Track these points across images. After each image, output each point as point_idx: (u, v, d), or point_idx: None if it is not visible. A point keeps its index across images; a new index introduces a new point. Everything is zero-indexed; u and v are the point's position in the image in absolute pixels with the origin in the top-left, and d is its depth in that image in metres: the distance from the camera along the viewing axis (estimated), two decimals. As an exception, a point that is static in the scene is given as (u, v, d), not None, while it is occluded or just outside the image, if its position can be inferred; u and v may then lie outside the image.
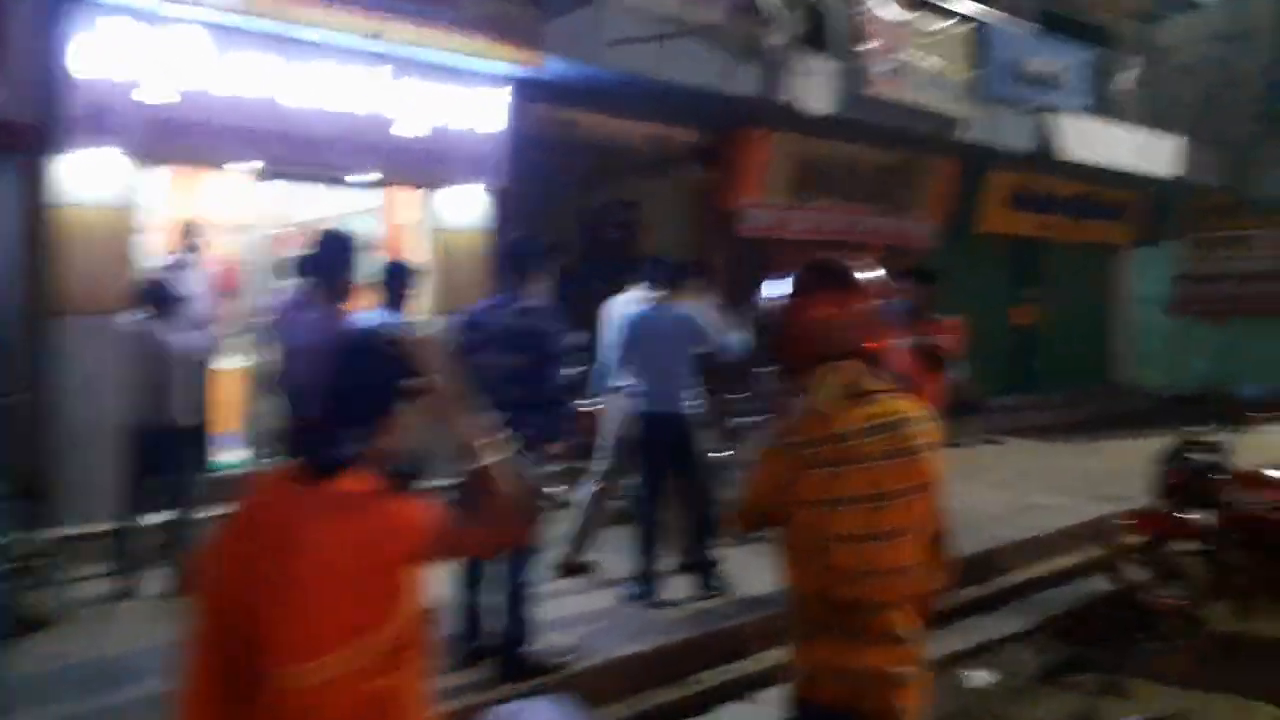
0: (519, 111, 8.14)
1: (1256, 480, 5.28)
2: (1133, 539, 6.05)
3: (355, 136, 7.01)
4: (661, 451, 5.55)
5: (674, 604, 5.51)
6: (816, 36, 9.34)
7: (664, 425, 5.51)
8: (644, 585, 5.48)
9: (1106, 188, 14.41)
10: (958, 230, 12.70)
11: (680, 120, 9.65)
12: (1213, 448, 5.50)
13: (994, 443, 11.87)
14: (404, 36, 6.50)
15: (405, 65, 7.02)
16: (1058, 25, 13.09)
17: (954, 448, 11.84)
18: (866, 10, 9.55)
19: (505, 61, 7.03)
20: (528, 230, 8.53)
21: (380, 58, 6.83)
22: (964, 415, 11.91)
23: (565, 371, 4.55)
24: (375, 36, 6.31)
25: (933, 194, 11.98)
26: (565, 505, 6.49)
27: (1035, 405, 14.03)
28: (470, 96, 7.48)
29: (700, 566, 5.64)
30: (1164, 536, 5.81)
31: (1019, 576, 6.67)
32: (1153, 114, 14.73)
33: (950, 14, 10.75)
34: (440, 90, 7.31)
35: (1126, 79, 14.59)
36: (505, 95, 7.62)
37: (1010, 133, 11.47)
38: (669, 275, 5.73)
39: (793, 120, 9.53)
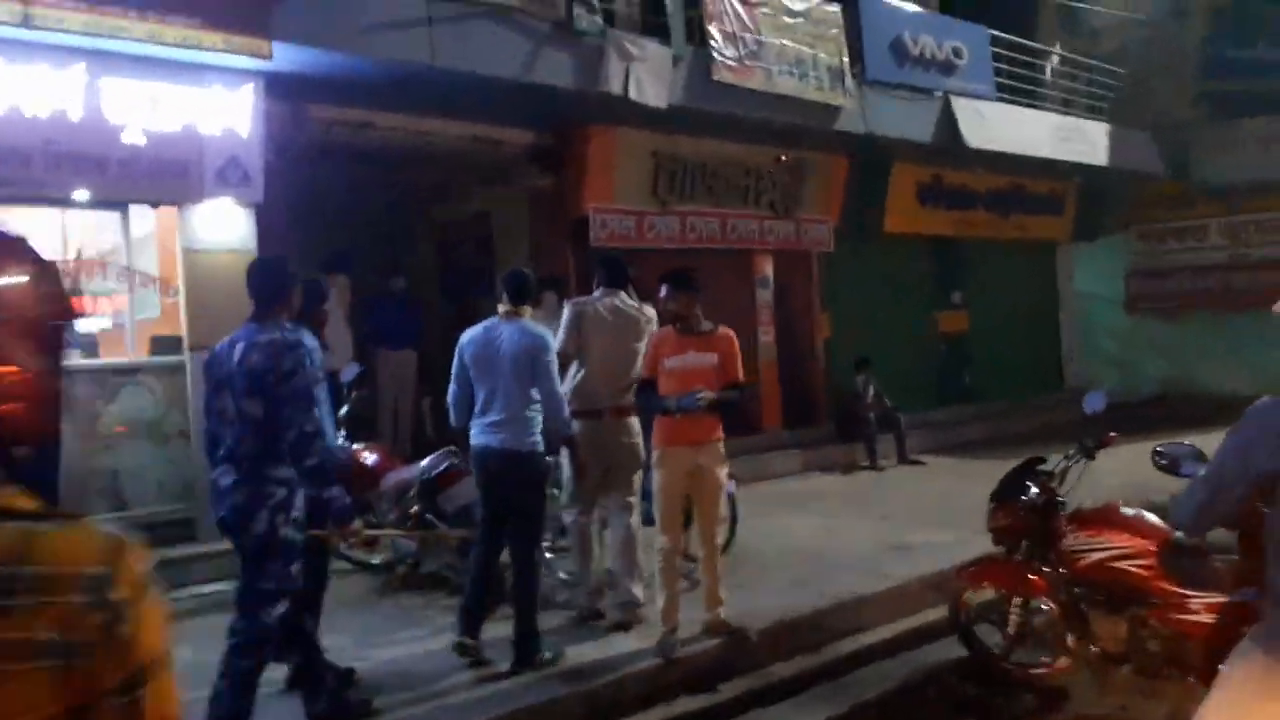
0: (287, 113, 7.05)
1: (1095, 520, 4.11)
2: (976, 593, 4.88)
3: (65, 148, 5.91)
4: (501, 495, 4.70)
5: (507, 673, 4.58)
6: (655, 20, 8.26)
7: (505, 464, 4.62)
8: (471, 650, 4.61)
9: (1032, 180, 13.31)
10: (864, 232, 11.58)
11: (511, 120, 8.55)
12: (1052, 478, 4.34)
13: (913, 463, 10.66)
14: (67, 20, 5.37)
15: (110, 61, 5.92)
16: (963, 3, 12.04)
17: (862, 471, 11.09)
18: (709, -13, 8.46)
19: (221, 52, 5.91)
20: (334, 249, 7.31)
21: (71, 52, 5.73)
22: (880, 433, 10.80)
23: (316, 415, 3.69)
24: (24, 21, 5.19)
25: (824, 192, 10.86)
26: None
27: (970, 419, 12.85)
28: (205, 96, 6.37)
29: (526, 635, 4.65)
30: (1012, 591, 4.64)
31: (858, 642, 5.46)
32: (1082, 100, 13.69)
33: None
34: (165, 90, 6.21)
35: (1047, 62, 13.55)
36: (247, 93, 6.50)
37: (900, 122, 10.37)
38: (516, 288, 4.80)
39: (641, 115, 8.43)
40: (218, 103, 6.42)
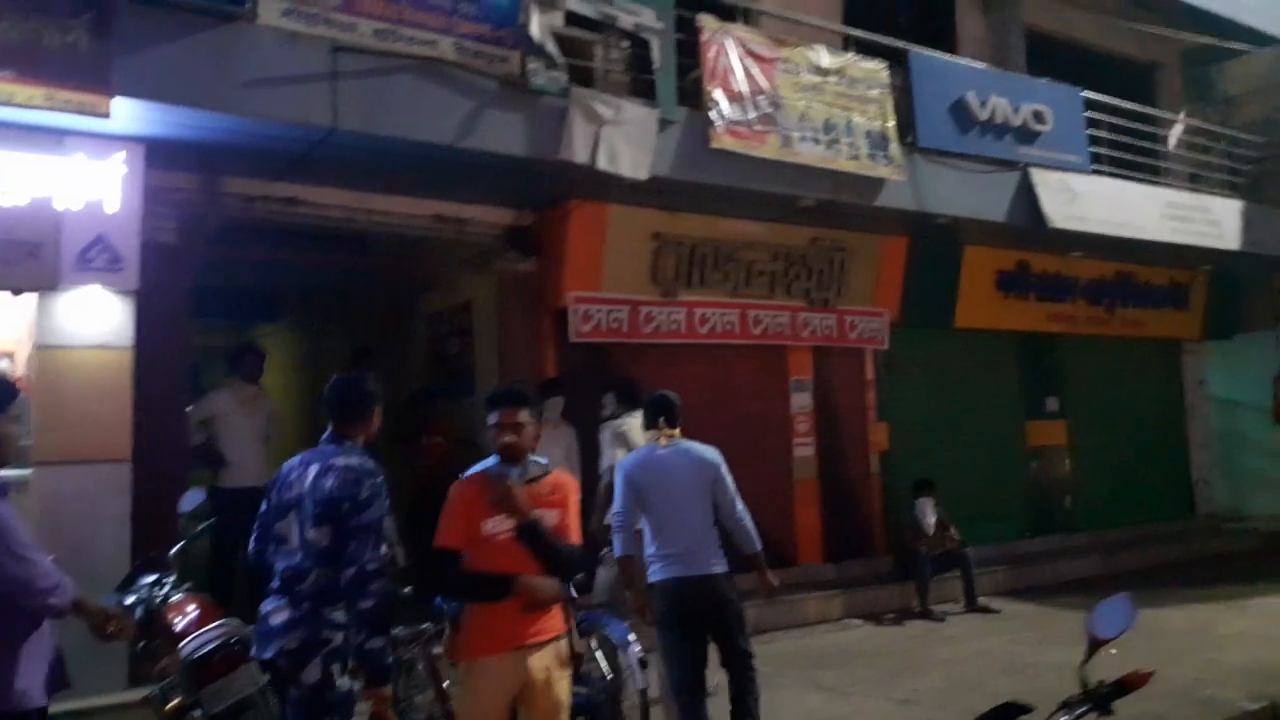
0: (194, 187, 6.10)
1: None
2: None
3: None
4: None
5: None
6: (647, 78, 7.00)
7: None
8: None
9: (1146, 267, 11.28)
10: (931, 326, 9.85)
11: (478, 197, 7.41)
12: None
13: (984, 611, 8.68)
14: None
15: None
16: (1062, 67, 10.35)
17: (917, 620, 9.10)
18: (707, 40, 7.16)
19: (47, 109, 4.92)
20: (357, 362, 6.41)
21: None
22: (946, 572, 8.90)
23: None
24: None
25: (876, 279, 9.23)
26: None
27: (1071, 552, 10.70)
28: (63, 166, 5.42)
29: None
30: None
31: None
32: (1215, 176, 11.66)
33: (859, 48, 8.27)
34: (12, 159, 5.29)
35: (1170, 132, 11.63)
36: (118, 163, 5.53)
37: (964, 197, 8.71)
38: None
39: (640, 190, 7.15)
40: (79, 173, 5.47)
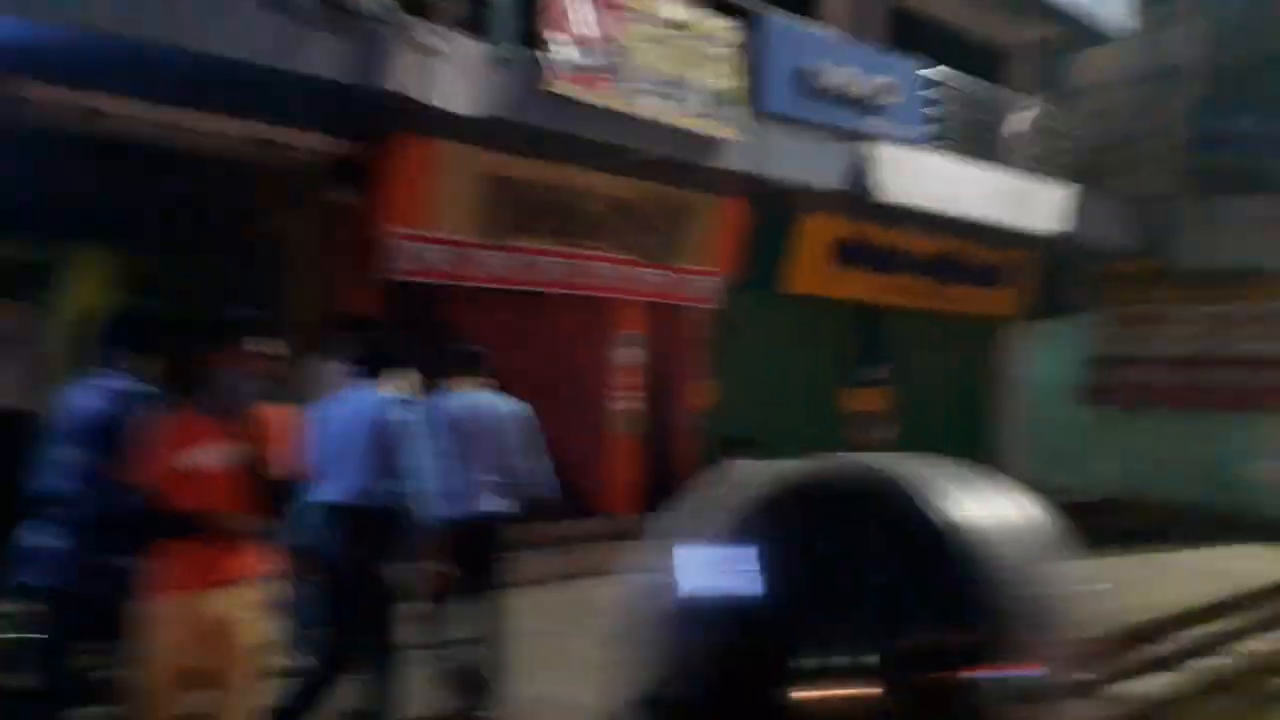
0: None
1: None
2: None
3: None
4: None
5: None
6: (477, 12, 6.78)
7: None
8: None
9: (978, 246, 11.76)
10: (767, 290, 10.04)
11: (304, 122, 7.07)
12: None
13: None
14: None
15: None
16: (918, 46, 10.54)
17: None
18: (549, -20, 6.98)
19: None
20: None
21: None
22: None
23: None
24: None
25: (714, 240, 9.33)
26: None
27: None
28: None
29: None
30: None
31: None
32: (1058, 163, 12.17)
33: (714, 5, 8.22)
34: None
35: (1021, 119, 12.05)
36: None
37: (803, 164, 8.84)
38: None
39: (475, 130, 6.97)
40: None
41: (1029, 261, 12.57)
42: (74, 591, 3.27)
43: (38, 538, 3.30)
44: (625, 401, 9.17)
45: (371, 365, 4.51)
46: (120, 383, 3.42)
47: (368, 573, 4.25)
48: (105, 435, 3.27)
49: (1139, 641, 7.37)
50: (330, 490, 4.16)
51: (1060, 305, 13.58)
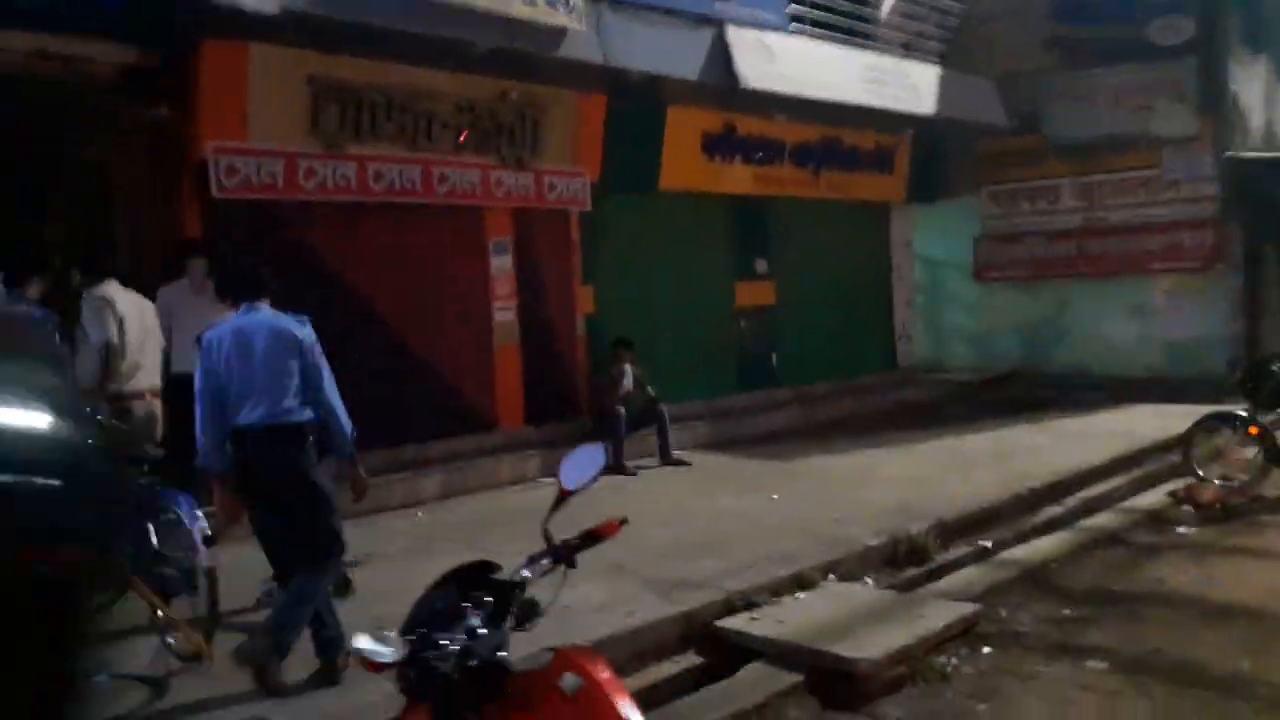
0: None
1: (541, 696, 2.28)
2: None
3: None
4: None
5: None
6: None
7: None
8: None
9: (851, 131, 11.56)
10: (636, 188, 9.69)
11: (93, 30, 6.41)
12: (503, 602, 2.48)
13: (677, 464, 8.90)
14: None
15: None
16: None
17: (614, 475, 8.85)
18: None
19: None
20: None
21: None
22: (639, 428, 9.03)
23: None
24: None
25: (575, 139, 8.92)
26: None
27: (776, 405, 11.17)
28: None
29: None
30: None
31: None
32: (926, 43, 11.97)
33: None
34: None
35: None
36: None
37: (657, 54, 8.47)
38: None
39: (291, 28, 6.41)
40: None
41: (905, 144, 12.44)
42: None
43: None
44: (502, 312, 8.81)
45: (242, 289, 4.32)
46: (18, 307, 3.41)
47: (307, 486, 4.20)
48: None
49: (1035, 505, 7.44)
50: (255, 413, 4.12)
51: (942, 186, 13.55)
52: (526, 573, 2.44)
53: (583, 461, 2.59)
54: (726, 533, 6.49)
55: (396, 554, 6.17)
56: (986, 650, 4.84)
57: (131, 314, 5.60)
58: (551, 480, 8.22)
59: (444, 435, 8.29)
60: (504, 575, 2.45)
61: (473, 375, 8.64)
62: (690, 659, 4.87)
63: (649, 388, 9.10)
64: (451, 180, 8.13)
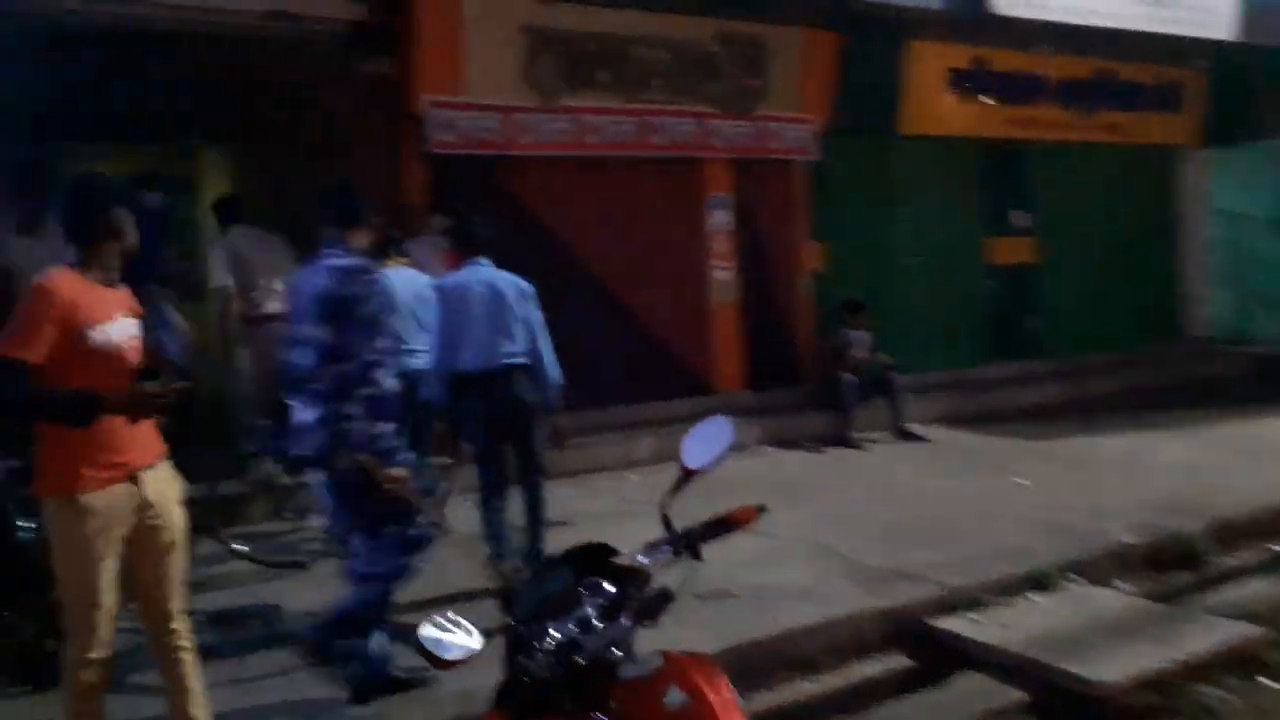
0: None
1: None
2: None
3: None
4: None
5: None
6: None
7: None
8: None
9: (1131, 64, 10.07)
10: (874, 134, 8.91)
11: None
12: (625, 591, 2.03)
13: (912, 438, 8.14)
14: None
15: None
16: None
17: (840, 448, 8.32)
18: None
19: None
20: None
21: None
22: (871, 397, 8.33)
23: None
24: None
25: (803, 82, 8.27)
26: None
27: (1034, 378, 10.03)
28: None
29: None
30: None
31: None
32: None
33: None
34: None
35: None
36: None
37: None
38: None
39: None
40: None
41: (1200, 77, 10.71)
42: (325, 460, 3.43)
43: (295, 413, 3.46)
44: (721, 272, 8.39)
45: (469, 244, 4.80)
46: (345, 259, 3.53)
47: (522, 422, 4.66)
48: (338, 309, 3.40)
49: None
50: (484, 356, 4.58)
51: (1246, 127, 11.59)
52: (644, 559, 2.03)
53: (708, 436, 2.14)
54: (956, 519, 5.75)
55: (606, 515, 5.94)
56: (1268, 683, 3.92)
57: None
58: (770, 449, 7.80)
59: (658, 397, 8.00)
60: (624, 561, 2.05)
61: (689, 336, 8.28)
62: (897, 660, 4.28)
63: (882, 354, 8.37)
64: (667, 131, 7.76)
